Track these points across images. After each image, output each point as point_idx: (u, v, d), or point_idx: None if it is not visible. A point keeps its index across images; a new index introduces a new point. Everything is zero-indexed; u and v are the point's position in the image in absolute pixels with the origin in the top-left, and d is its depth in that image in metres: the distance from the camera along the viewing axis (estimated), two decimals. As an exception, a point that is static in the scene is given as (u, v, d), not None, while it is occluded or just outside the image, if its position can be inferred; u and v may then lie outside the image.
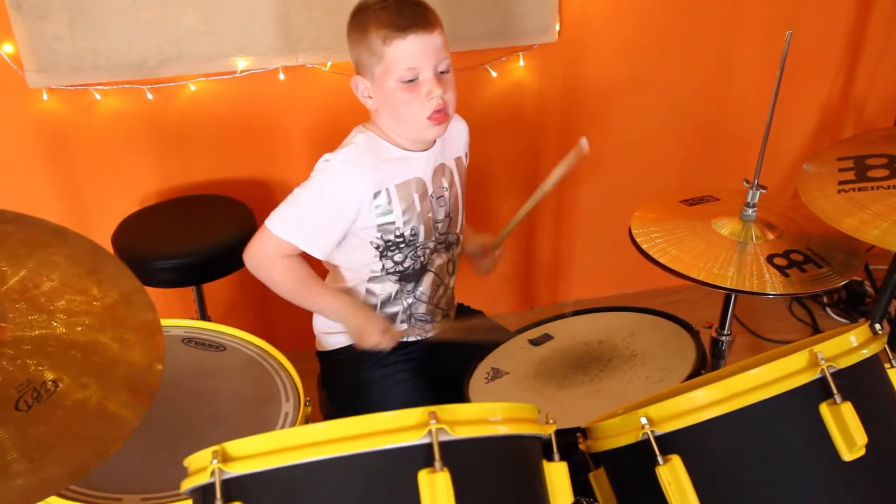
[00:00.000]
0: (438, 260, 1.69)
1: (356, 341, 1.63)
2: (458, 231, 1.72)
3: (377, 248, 1.60)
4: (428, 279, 1.68)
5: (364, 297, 1.67)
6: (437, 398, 1.65)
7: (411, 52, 1.47)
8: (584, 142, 1.60)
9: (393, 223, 1.58)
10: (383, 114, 1.56)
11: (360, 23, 1.50)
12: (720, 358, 1.82)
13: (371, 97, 1.55)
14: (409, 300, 1.68)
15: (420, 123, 1.53)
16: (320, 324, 1.74)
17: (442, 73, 1.51)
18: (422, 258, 1.65)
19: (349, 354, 1.69)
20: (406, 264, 1.64)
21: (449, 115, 1.54)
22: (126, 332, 1.06)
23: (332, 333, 1.72)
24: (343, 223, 1.55)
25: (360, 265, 1.64)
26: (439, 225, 1.65)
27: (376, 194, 1.54)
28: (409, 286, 1.67)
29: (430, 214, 1.62)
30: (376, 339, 1.59)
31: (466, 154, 1.74)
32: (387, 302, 1.68)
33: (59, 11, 1.99)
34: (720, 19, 2.54)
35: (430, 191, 1.62)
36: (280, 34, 2.16)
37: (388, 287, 1.66)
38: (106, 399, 0.98)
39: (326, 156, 1.54)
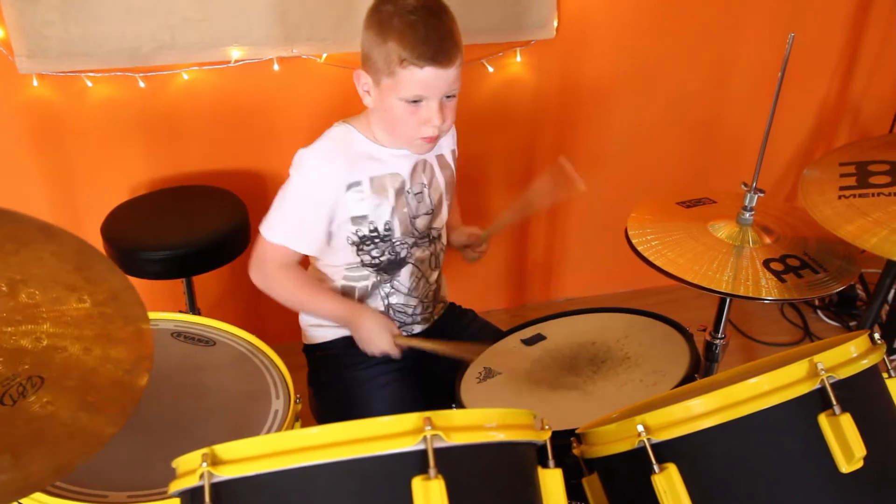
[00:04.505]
0: (419, 253, 1.67)
1: (364, 347, 1.61)
2: (439, 226, 1.70)
3: (353, 243, 1.60)
4: (406, 271, 1.67)
5: (341, 289, 1.67)
6: (426, 399, 1.64)
7: (423, 82, 1.46)
8: (564, 163, 1.64)
9: (366, 216, 1.58)
10: (377, 115, 1.56)
11: (381, 24, 1.46)
12: (714, 361, 1.81)
13: (370, 94, 1.54)
14: (387, 289, 1.67)
15: (410, 141, 1.55)
16: (306, 316, 1.73)
17: (448, 97, 1.51)
18: (400, 253, 1.64)
19: (336, 350, 1.68)
20: (383, 258, 1.63)
21: (441, 137, 1.56)
22: (114, 329, 1.05)
23: (318, 326, 1.71)
24: (326, 217, 1.56)
25: (339, 260, 1.64)
26: (417, 220, 1.64)
27: (349, 186, 1.55)
28: (387, 276, 1.66)
29: (405, 210, 1.61)
30: (385, 345, 1.58)
31: (453, 151, 1.73)
32: (364, 292, 1.66)
33: (50, -4, 1.96)
34: (719, 18, 2.53)
35: (408, 186, 1.61)
36: (276, 24, 2.13)
37: (365, 279, 1.65)
38: (92, 396, 0.96)
39: (301, 151, 1.57)
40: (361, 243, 1.60)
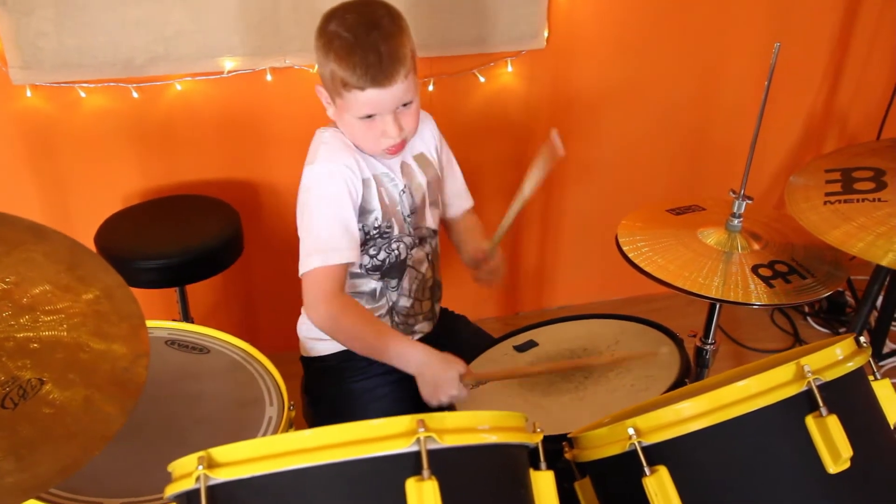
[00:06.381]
0: (417, 253, 1.67)
1: (428, 395, 1.43)
2: (427, 225, 1.69)
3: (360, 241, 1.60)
4: (409, 274, 1.67)
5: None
6: (420, 410, 1.63)
7: (369, 102, 1.46)
8: (554, 135, 1.52)
9: (372, 212, 1.57)
10: (342, 127, 1.57)
11: (326, 44, 1.46)
12: (704, 367, 1.82)
13: (332, 106, 1.55)
14: (394, 296, 1.67)
15: (375, 152, 1.56)
16: (305, 328, 1.73)
17: (404, 105, 1.50)
18: (397, 251, 1.63)
19: (335, 363, 1.67)
20: (381, 258, 1.62)
21: (407, 142, 1.56)
22: (110, 327, 1.05)
23: (318, 340, 1.70)
24: (350, 208, 1.52)
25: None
26: (409, 219, 1.64)
27: (363, 181, 1.55)
28: (393, 282, 1.65)
29: (398, 207, 1.61)
30: (454, 389, 1.40)
31: (437, 147, 1.71)
32: (371, 299, 1.66)
33: (45, 7, 1.96)
34: (708, 28, 2.55)
35: (401, 186, 1.61)
36: (268, 35, 2.14)
37: (371, 284, 1.65)
38: (93, 394, 0.97)
39: (308, 167, 1.55)
40: (365, 241, 1.59)
